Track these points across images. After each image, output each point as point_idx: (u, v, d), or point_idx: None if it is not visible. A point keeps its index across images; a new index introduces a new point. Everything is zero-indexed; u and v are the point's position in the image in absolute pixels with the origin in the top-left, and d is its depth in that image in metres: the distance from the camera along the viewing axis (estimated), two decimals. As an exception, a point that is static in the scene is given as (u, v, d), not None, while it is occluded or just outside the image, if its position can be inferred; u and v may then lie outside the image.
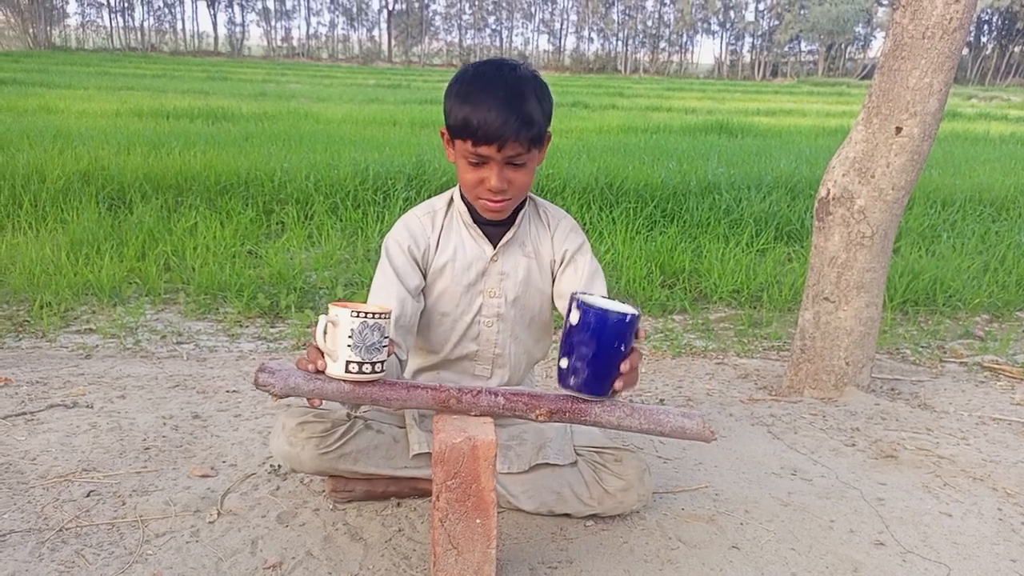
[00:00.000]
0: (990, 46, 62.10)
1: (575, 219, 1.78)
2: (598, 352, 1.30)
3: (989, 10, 58.21)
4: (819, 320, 2.62)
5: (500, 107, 1.47)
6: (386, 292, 1.61)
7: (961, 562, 1.68)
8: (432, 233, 1.69)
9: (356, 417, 1.73)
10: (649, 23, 73.11)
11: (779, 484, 2.01)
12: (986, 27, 62.04)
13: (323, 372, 1.33)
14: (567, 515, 1.77)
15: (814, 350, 2.65)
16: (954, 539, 1.77)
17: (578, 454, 1.76)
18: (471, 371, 1.78)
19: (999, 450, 2.29)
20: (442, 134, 1.61)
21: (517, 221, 1.69)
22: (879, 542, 1.74)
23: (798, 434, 2.35)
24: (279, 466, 1.97)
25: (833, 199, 2.54)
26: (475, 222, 1.69)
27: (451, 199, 1.72)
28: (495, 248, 1.69)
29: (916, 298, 3.93)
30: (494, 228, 1.69)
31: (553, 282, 1.74)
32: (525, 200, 1.71)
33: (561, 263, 1.72)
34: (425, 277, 1.70)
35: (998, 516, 1.89)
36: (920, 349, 3.36)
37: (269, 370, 1.33)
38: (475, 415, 1.39)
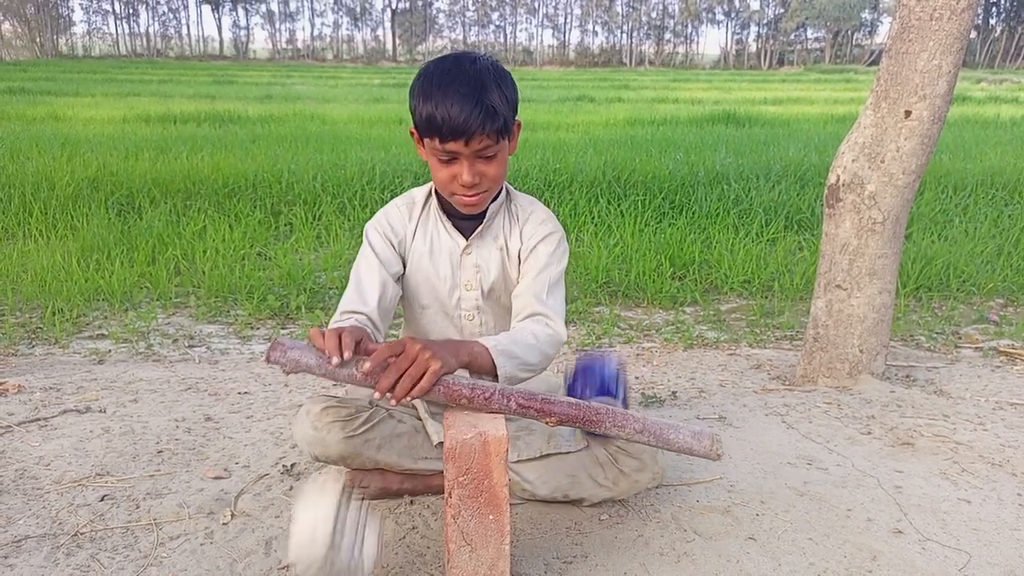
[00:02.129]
0: (999, 28, 61.50)
1: (549, 209, 1.76)
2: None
3: (997, -8, 57.70)
4: (832, 308, 2.60)
5: (462, 101, 1.45)
6: (369, 277, 1.63)
7: (981, 548, 1.66)
8: (410, 224, 1.71)
9: (377, 404, 1.73)
10: (653, 15, 72.83)
11: (795, 474, 1.99)
12: (995, 9, 61.45)
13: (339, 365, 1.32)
14: (581, 500, 1.76)
15: (827, 339, 2.63)
16: (974, 525, 1.75)
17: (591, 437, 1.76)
18: None
19: (1017, 435, 2.26)
20: (412, 133, 1.60)
21: (488, 214, 1.68)
22: (897, 530, 1.73)
23: (813, 423, 2.33)
24: (292, 466, 1.97)
25: (843, 185, 2.51)
26: (448, 215, 1.70)
27: (431, 191, 1.72)
28: (467, 240, 1.69)
29: (929, 284, 3.90)
30: (467, 221, 1.69)
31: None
32: (499, 194, 1.70)
33: (527, 253, 1.71)
34: (405, 267, 1.71)
35: (1018, 501, 1.87)
36: (935, 335, 3.33)
37: (282, 347, 1.32)
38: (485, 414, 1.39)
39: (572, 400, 1.39)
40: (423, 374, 1.31)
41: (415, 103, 1.51)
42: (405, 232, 1.70)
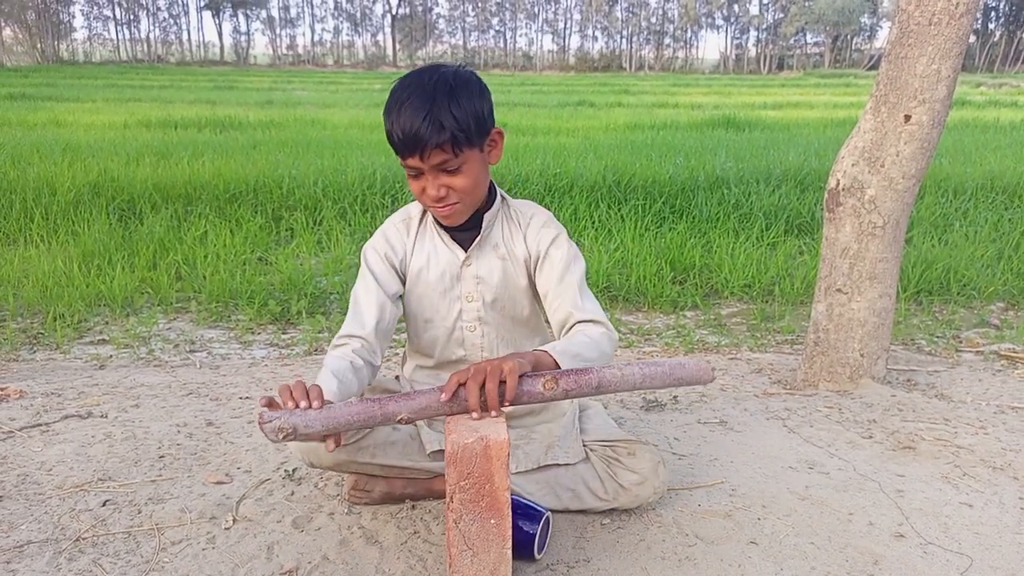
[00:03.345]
0: (998, 33, 61.57)
1: (550, 211, 1.75)
2: None
3: (996, -4, 57.76)
4: (832, 312, 2.60)
5: (413, 117, 1.45)
6: (367, 300, 1.64)
7: (983, 552, 1.66)
8: (408, 240, 1.71)
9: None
10: (653, 20, 72.93)
11: (796, 478, 1.99)
12: (993, 13, 61.54)
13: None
14: (584, 511, 1.76)
15: (828, 343, 2.63)
16: (975, 529, 1.75)
17: (591, 450, 1.76)
18: None
19: (1018, 439, 2.26)
20: None
21: (484, 224, 1.67)
22: (899, 534, 1.73)
23: (814, 427, 2.33)
24: (293, 471, 1.97)
25: (843, 190, 2.52)
26: (445, 228, 1.68)
27: None
28: (466, 252, 1.68)
29: (930, 288, 3.90)
30: (465, 233, 1.68)
31: (531, 280, 1.72)
32: (494, 202, 1.69)
33: (537, 260, 1.69)
34: (405, 284, 1.71)
35: (1019, 505, 1.87)
36: (935, 339, 3.33)
37: (272, 416, 1.30)
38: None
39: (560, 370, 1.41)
40: (502, 379, 1.32)
41: (384, 118, 1.52)
42: (405, 249, 1.70)
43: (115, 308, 3.52)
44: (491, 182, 1.68)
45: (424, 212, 1.72)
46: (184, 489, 1.88)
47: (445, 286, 1.69)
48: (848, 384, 2.62)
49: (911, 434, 2.27)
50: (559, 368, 1.43)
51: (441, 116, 1.44)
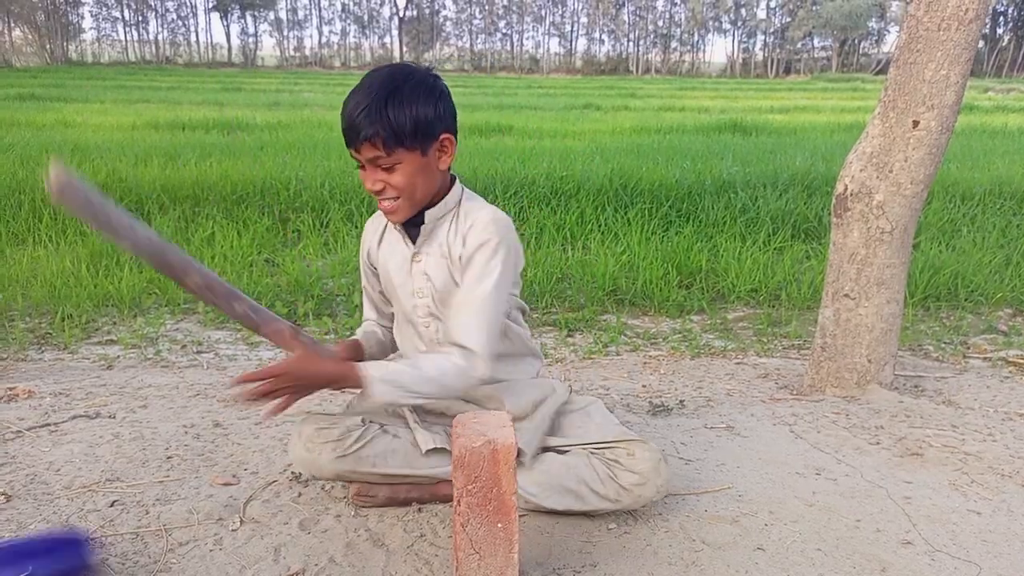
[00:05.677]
0: (1006, 38, 61.35)
1: (509, 217, 1.67)
2: None
3: (1005, 1, 57.58)
4: (840, 318, 2.60)
5: (351, 109, 1.51)
6: (366, 297, 1.92)
7: (991, 560, 1.65)
8: (375, 235, 1.80)
9: (371, 422, 1.75)
10: (660, 23, 72.91)
11: (803, 484, 1.99)
12: (1002, 19, 61.34)
13: None
14: (590, 514, 1.76)
15: (835, 348, 2.62)
16: (983, 537, 1.75)
17: (591, 452, 1.74)
18: None
19: (1027, 446, 2.25)
20: None
21: (427, 221, 1.66)
22: (907, 541, 1.72)
23: (821, 433, 2.32)
24: (300, 473, 1.97)
25: (851, 195, 2.51)
26: (403, 224, 1.70)
27: None
28: (415, 247, 1.71)
29: (938, 293, 3.89)
30: (416, 228, 1.69)
31: None
32: (442, 199, 1.66)
33: (461, 261, 1.64)
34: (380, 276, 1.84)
35: (1028, 513, 1.86)
36: (943, 345, 3.32)
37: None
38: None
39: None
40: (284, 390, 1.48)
41: None
42: (372, 242, 1.80)
43: (123, 308, 3.53)
44: (456, 181, 1.68)
45: None
46: (191, 490, 1.89)
47: (402, 279, 1.74)
48: (855, 390, 2.61)
49: (918, 440, 2.26)
50: (363, 388, 1.51)
51: (376, 113, 1.49)
